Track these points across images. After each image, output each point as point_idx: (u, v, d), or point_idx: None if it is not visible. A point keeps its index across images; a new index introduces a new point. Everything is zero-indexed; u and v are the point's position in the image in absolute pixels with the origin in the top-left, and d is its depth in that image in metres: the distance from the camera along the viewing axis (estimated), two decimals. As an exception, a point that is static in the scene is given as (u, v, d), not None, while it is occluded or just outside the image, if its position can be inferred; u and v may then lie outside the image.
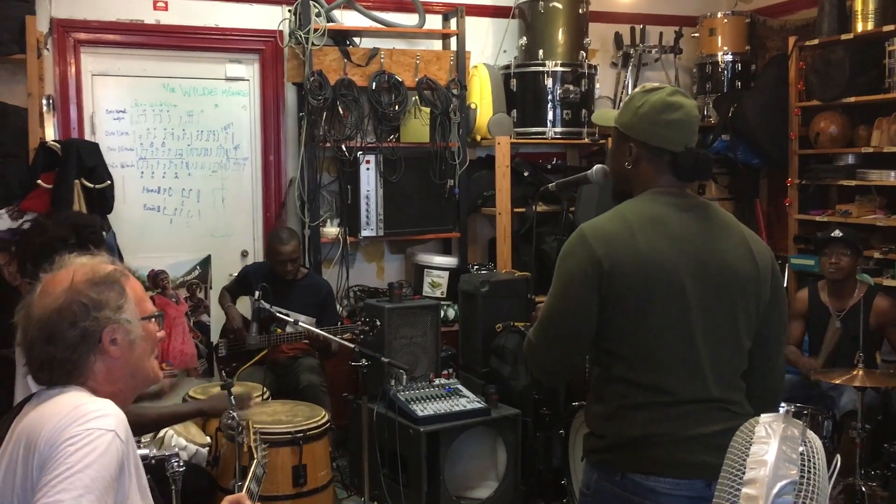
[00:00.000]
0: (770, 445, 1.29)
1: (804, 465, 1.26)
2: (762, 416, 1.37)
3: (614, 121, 2.17)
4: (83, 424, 1.49)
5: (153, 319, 1.70)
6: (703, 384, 1.99)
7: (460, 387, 4.43)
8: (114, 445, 1.49)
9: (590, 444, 2.09)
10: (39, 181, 4.28)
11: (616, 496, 1.99)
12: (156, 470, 2.68)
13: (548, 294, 2.07)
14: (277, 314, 3.95)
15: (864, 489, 3.78)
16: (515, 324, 4.71)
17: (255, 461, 2.04)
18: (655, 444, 1.96)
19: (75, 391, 1.59)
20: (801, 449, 1.27)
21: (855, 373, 3.74)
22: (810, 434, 1.35)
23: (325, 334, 3.97)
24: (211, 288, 5.18)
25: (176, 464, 2.63)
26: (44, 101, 4.49)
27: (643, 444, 1.96)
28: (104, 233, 3.92)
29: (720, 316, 2.01)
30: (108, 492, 1.47)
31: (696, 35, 5.89)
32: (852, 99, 4.94)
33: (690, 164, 2.06)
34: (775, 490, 1.24)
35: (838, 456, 1.30)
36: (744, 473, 1.27)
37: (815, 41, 5.19)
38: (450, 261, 5.33)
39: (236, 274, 4.87)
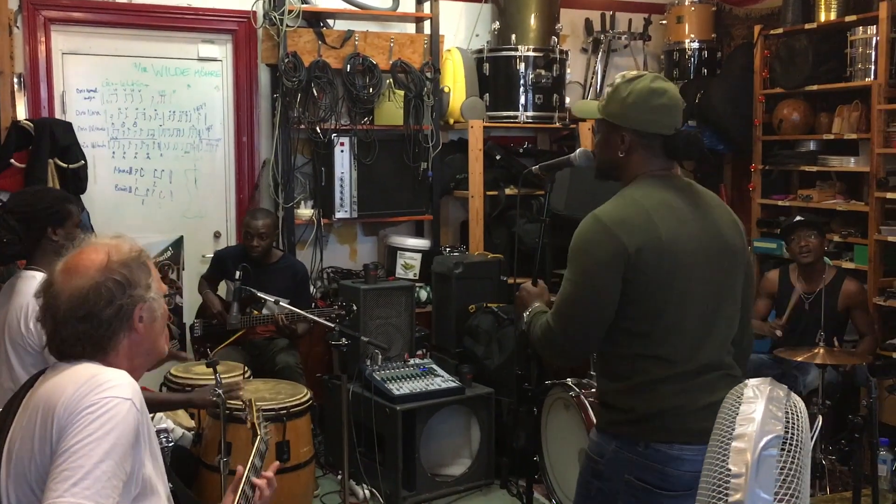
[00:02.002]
0: (757, 404, 1.39)
1: (789, 423, 1.35)
2: (750, 380, 1.46)
3: (600, 112, 2.25)
4: (101, 393, 1.53)
5: (165, 298, 1.76)
6: (717, 353, 2.14)
7: (435, 366, 4.51)
8: (131, 414, 1.53)
9: (610, 417, 2.18)
10: (12, 160, 4.24)
11: (635, 464, 2.09)
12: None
13: (566, 281, 2.14)
14: (257, 295, 3.98)
15: (824, 463, 3.94)
16: (488, 305, 4.79)
17: (259, 437, 2.10)
18: (678, 415, 2.08)
19: (89, 364, 1.63)
20: (788, 408, 1.36)
21: (816, 351, 3.90)
22: (794, 396, 1.45)
23: (307, 314, 4.01)
24: (183, 269, 5.17)
25: (165, 439, 2.67)
26: (15, 80, 4.44)
27: (666, 416, 2.08)
28: (81, 210, 3.91)
29: (724, 287, 2.16)
30: (126, 458, 1.51)
31: (664, 22, 6.00)
32: (815, 87, 5.09)
33: (683, 144, 2.17)
34: (762, 443, 1.34)
35: (820, 417, 1.39)
36: (734, 430, 1.36)
37: (780, 30, 5.32)
38: (422, 243, 5.38)
39: (209, 257, 4.87)
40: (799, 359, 3.96)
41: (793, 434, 1.36)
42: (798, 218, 4.69)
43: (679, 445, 2.06)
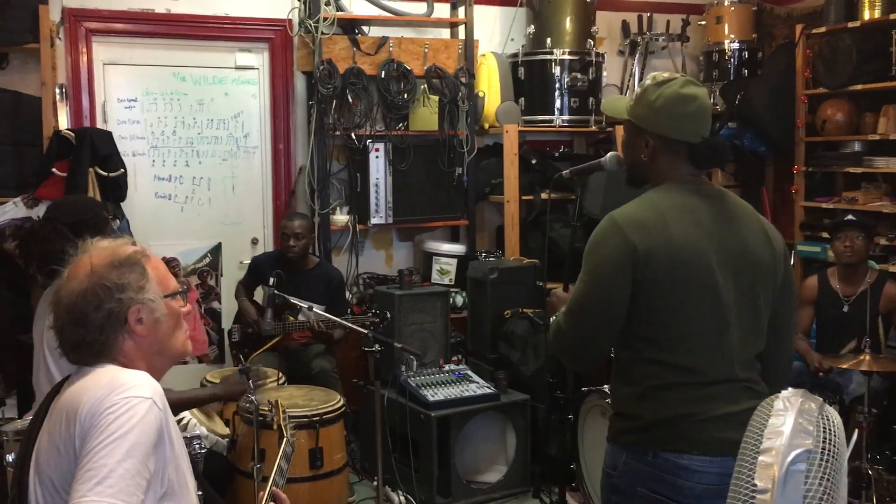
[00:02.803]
0: (787, 417, 1.34)
1: (825, 437, 1.30)
2: (783, 391, 1.42)
3: (627, 114, 2.21)
4: (121, 394, 1.54)
5: (177, 296, 1.75)
6: (731, 365, 2.05)
7: (470, 372, 4.49)
8: (152, 413, 1.54)
9: (619, 426, 2.12)
10: (54, 169, 4.32)
11: (647, 475, 2.02)
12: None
13: (578, 280, 2.10)
14: (291, 301, 4.00)
15: (870, 472, 3.83)
16: (524, 310, 4.75)
17: (285, 440, 2.10)
18: (688, 424, 2.00)
19: (109, 366, 1.64)
20: (819, 421, 1.31)
21: (861, 358, 3.79)
22: (828, 408, 1.40)
23: (341, 321, 4.02)
24: (221, 275, 5.24)
25: (198, 445, 2.68)
26: (57, 90, 4.53)
27: (676, 424, 2.01)
28: (110, 217, 3.96)
29: (744, 299, 2.08)
30: (149, 457, 1.52)
31: (703, 23, 5.91)
32: (859, 86, 4.97)
33: (708, 153, 2.12)
34: (790, 458, 1.29)
35: (857, 430, 1.34)
36: (761, 443, 1.32)
37: (822, 29, 5.21)
38: (458, 248, 5.37)
39: (247, 263, 4.91)
40: (844, 366, 3.86)
41: (825, 448, 1.31)
42: (849, 217, 4.57)
43: (689, 455, 1.98)
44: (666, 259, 2.00)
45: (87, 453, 1.48)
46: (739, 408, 2.00)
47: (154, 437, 1.53)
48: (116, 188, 4.52)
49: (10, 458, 2.59)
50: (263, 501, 1.76)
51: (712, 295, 2.03)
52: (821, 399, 1.46)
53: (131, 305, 1.65)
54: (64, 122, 4.56)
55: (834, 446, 1.33)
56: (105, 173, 4.44)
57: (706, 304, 2.03)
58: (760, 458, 1.29)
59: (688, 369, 2.03)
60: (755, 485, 1.27)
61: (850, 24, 5.00)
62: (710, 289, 2.03)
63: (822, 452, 1.31)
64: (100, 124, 4.85)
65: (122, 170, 4.56)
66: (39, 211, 4.28)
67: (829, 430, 1.35)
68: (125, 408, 1.51)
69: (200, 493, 1.79)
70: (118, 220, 4.44)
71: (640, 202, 2.12)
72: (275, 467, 1.86)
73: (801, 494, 1.25)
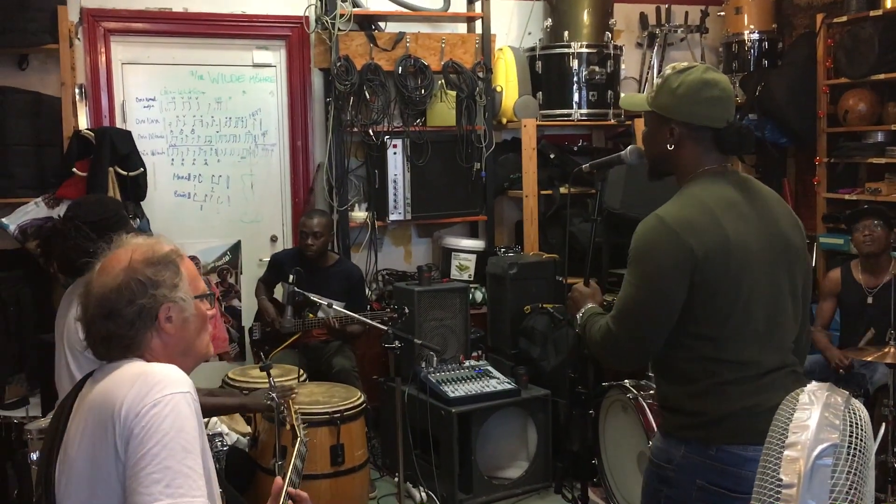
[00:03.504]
0: (813, 411, 1.32)
1: (851, 430, 1.28)
2: (807, 385, 1.39)
3: (649, 104, 2.18)
4: (161, 391, 1.53)
5: (205, 298, 1.75)
6: (782, 353, 2.09)
7: (490, 368, 4.47)
8: (192, 406, 1.55)
9: (678, 422, 2.11)
10: (74, 169, 4.35)
11: (708, 469, 2.03)
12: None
13: (627, 284, 2.08)
14: (311, 298, 4.00)
15: (895, 466, 3.78)
16: (544, 305, 4.73)
17: (299, 439, 2.10)
18: (749, 416, 2.00)
19: (136, 361, 1.64)
20: (845, 415, 1.29)
21: (887, 350, 3.74)
22: (855, 402, 1.37)
23: (359, 317, 4.02)
24: (241, 273, 5.25)
25: (220, 443, 2.69)
26: (76, 90, 4.56)
27: (738, 417, 2.01)
28: (130, 217, 3.98)
29: (786, 286, 2.10)
30: (199, 448, 1.53)
31: (722, 14, 5.84)
32: (881, 76, 4.90)
33: (735, 138, 2.09)
34: (815, 452, 1.27)
35: (884, 424, 1.32)
36: (787, 437, 1.30)
37: (844, 18, 5.14)
38: (477, 244, 5.35)
39: (266, 261, 4.92)
40: (868, 358, 3.81)
41: (852, 442, 1.28)
42: (865, 206, 4.51)
43: (753, 447, 1.95)
44: (723, 259, 2.00)
45: (144, 456, 1.47)
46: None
47: (198, 427, 1.55)
48: (136, 187, 4.54)
49: (34, 456, 2.60)
50: (281, 502, 1.76)
51: (767, 290, 2.05)
52: (847, 392, 1.44)
53: (163, 303, 1.65)
54: (83, 122, 4.59)
55: (861, 440, 1.31)
56: (125, 172, 4.46)
57: (761, 299, 2.04)
58: (786, 452, 1.27)
59: (744, 363, 2.03)
60: (781, 479, 1.25)
61: (871, 13, 4.93)
62: (762, 283, 2.04)
63: (848, 447, 1.29)
64: (119, 124, 4.88)
65: (142, 169, 4.58)
66: (61, 211, 4.30)
67: (856, 423, 1.33)
68: (170, 405, 1.51)
69: (220, 490, 1.79)
70: (138, 220, 4.46)
71: (685, 199, 2.08)
72: (290, 467, 1.85)
73: (828, 489, 1.23)
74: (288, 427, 2.31)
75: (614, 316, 2.11)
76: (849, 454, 1.28)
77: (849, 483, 1.25)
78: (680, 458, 2.08)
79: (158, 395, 1.52)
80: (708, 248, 1.99)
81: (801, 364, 2.18)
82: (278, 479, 1.82)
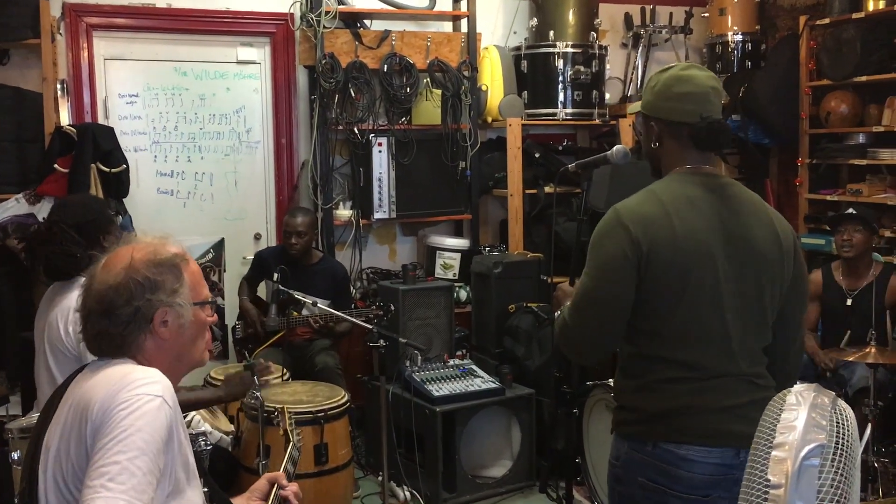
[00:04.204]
0: (800, 412, 1.33)
1: (838, 431, 1.29)
2: (795, 386, 1.40)
3: (640, 105, 2.24)
4: (132, 391, 1.53)
5: (206, 305, 1.73)
6: (733, 359, 2.04)
7: (475, 367, 4.48)
8: (163, 411, 1.53)
9: (621, 417, 2.13)
10: (56, 165, 4.30)
11: (647, 465, 2.03)
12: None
13: (583, 275, 2.09)
14: (295, 296, 3.99)
15: (876, 465, 3.82)
16: (528, 304, 4.74)
17: (291, 444, 2.09)
18: (688, 415, 2.00)
19: (125, 362, 1.64)
20: (832, 416, 1.30)
21: (867, 350, 3.77)
22: (841, 403, 1.38)
23: (343, 316, 4.01)
24: (224, 271, 5.22)
25: (203, 442, 2.67)
26: (58, 86, 4.51)
27: (676, 415, 2.01)
28: (116, 215, 3.95)
29: (748, 294, 2.06)
30: (160, 455, 1.51)
31: (706, 15, 5.87)
32: (863, 78, 4.94)
33: (706, 134, 2.09)
34: (803, 453, 1.28)
35: (869, 424, 1.33)
36: (774, 438, 1.30)
37: (826, 20, 5.18)
38: (462, 242, 5.35)
39: (250, 258, 4.90)
40: (850, 359, 3.85)
41: (838, 442, 1.29)
42: (850, 210, 4.56)
43: (687, 446, 1.99)
44: (668, 253, 1.99)
45: (100, 449, 1.47)
46: (739, 400, 2.02)
47: (164, 435, 1.53)
48: (118, 184, 4.50)
49: (14, 455, 2.58)
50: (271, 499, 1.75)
51: (714, 289, 2.02)
52: (833, 393, 1.45)
53: (160, 307, 1.64)
54: (65, 118, 4.55)
55: (847, 441, 1.32)
56: (107, 169, 4.43)
57: (708, 299, 2.01)
58: (773, 452, 1.27)
59: (688, 364, 2.02)
60: (768, 480, 1.26)
61: (854, 15, 4.98)
62: (712, 283, 2.02)
63: (835, 447, 1.30)
64: (101, 120, 4.83)
65: (124, 165, 4.54)
66: (41, 207, 4.27)
67: (843, 424, 1.34)
68: (136, 405, 1.51)
69: (206, 490, 1.78)
70: (121, 217, 4.43)
71: (643, 195, 2.10)
72: (281, 469, 1.85)
73: (815, 489, 1.24)
74: (281, 432, 2.30)
75: (569, 306, 2.13)
76: (836, 455, 1.29)
77: (836, 483, 1.26)
78: (624, 455, 2.10)
79: (128, 395, 1.52)
80: (653, 242, 1.99)
81: (784, 381, 2.10)
82: (264, 479, 1.82)
